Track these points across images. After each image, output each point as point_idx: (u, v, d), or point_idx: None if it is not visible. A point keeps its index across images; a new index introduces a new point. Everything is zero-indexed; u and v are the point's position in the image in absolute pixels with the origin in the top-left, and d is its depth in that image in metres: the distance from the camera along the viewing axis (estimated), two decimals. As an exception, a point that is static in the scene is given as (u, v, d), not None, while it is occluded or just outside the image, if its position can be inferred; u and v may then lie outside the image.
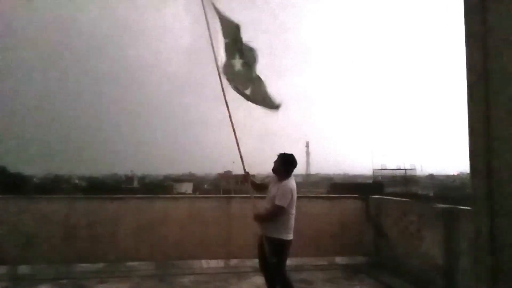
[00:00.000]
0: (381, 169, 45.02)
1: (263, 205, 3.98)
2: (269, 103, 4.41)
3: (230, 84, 4.38)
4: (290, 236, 3.79)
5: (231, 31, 4.44)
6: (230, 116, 4.23)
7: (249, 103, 4.43)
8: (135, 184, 60.59)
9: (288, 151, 4.02)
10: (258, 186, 4.34)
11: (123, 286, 4.97)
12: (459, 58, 2.77)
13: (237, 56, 4.46)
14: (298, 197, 3.86)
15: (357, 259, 6.19)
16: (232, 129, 4.21)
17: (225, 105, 4.24)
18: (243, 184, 4.39)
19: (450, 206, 4.74)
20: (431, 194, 39.00)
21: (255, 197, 4.26)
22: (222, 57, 4.41)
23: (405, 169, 42.87)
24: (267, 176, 4.42)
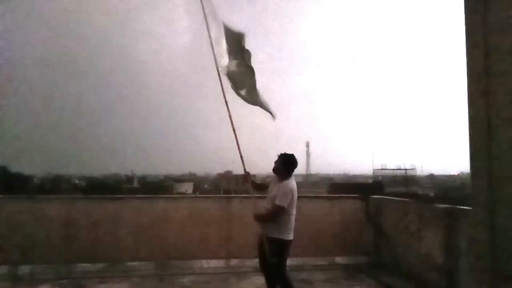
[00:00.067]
0: (381, 169, 45.07)
1: (263, 205, 3.98)
2: (267, 107, 4.47)
3: (232, 86, 4.41)
4: (291, 236, 3.79)
5: (234, 38, 4.47)
6: (230, 116, 4.23)
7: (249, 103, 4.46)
8: (135, 184, 60.59)
9: (288, 151, 4.03)
10: (258, 186, 4.35)
11: (123, 286, 4.97)
12: (459, 58, 2.77)
13: (239, 59, 4.48)
14: (298, 197, 3.86)
15: (357, 259, 6.18)
16: (232, 129, 4.21)
17: (225, 105, 4.24)
18: (243, 184, 4.40)
19: (450, 206, 4.74)
20: (432, 194, 38.97)
21: (255, 197, 4.26)
22: (224, 59, 4.42)
23: (405, 169, 42.90)
24: (268, 176, 4.42)
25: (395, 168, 43.83)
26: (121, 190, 38.68)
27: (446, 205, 4.83)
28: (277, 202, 3.70)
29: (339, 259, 6.18)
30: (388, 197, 6.81)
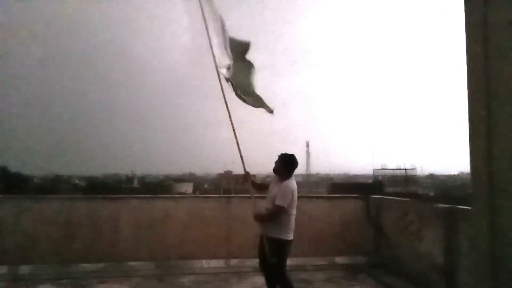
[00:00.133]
0: (382, 169, 45.03)
1: (263, 205, 3.98)
2: (266, 106, 4.50)
3: (233, 88, 4.42)
4: (291, 236, 3.79)
5: (239, 48, 4.51)
6: (230, 116, 4.23)
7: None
8: (135, 184, 60.62)
9: (288, 151, 4.03)
10: (258, 186, 4.35)
11: (123, 286, 4.97)
12: (459, 58, 2.77)
13: (241, 61, 4.51)
14: (298, 197, 3.86)
15: (357, 259, 6.18)
16: (232, 129, 4.22)
17: (225, 105, 4.24)
18: (243, 184, 4.40)
19: (451, 206, 4.74)
20: (432, 194, 38.97)
21: (255, 197, 4.26)
22: (225, 61, 4.43)
23: (405, 169, 42.86)
24: (268, 176, 4.43)
25: (395, 168, 43.81)
26: (121, 190, 38.69)
27: (446, 205, 4.82)
28: (277, 202, 3.70)
29: (339, 259, 6.18)
30: (388, 197, 6.81)
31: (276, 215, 3.73)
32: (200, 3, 4.34)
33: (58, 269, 5.37)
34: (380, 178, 43.29)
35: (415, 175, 44.07)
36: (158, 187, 51.64)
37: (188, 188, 54.11)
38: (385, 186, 34.35)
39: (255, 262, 4.21)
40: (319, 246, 6.17)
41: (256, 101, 4.48)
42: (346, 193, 8.01)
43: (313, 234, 6.08)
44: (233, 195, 7.21)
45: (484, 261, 2.46)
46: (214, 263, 5.81)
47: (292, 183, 3.85)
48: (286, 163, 3.91)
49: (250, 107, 4.50)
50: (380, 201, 6.47)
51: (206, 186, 64.40)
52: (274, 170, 3.99)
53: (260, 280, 4.38)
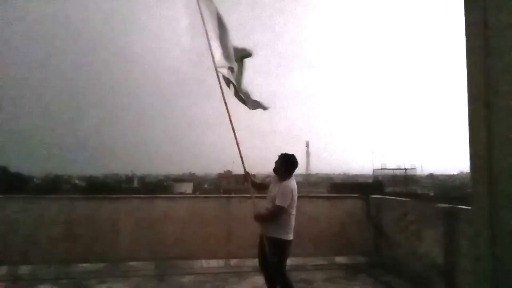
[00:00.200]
0: (382, 169, 45.11)
1: (263, 205, 3.98)
2: (261, 105, 4.51)
3: (235, 90, 4.43)
4: (291, 236, 3.79)
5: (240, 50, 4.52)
6: (229, 116, 4.23)
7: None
8: (135, 184, 60.61)
9: (288, 151, 4.03)
10: (258, 186, 4.34)
11: (123, 286, 4.97)
12: (459, 57, 2.77)
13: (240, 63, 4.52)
14: (298, 197, 3.86)
15: (357, 258, 6.18)
16: (232, 129, 4.21)
17: (225, 105, 4.24)
18: (243, 183, 4.40)
19: (450, 205, 4.73)
20: (431, 193, 39.00)
21: (255, 197, 4.26)
22: (228, 62, 4.44)
23: (405, 169, 42.94)
24: (268, 176, 4.43)
25: (395, 167, 43.90)
26: (121, 190, 38.69)
27: (446, 205, 4.82)
28: (277, 202, 3.70)
29: (339, 259, 6.18)
30: (388, 197, 6.81)
31: (276, 215, 3.73)
32: (198, 3, 4.34)
33: (58, 269, 5.37)
34: (380, 178, 43.36)
35: (415, 175, 44.16)
36: (158, 187, 51.64)
37: (188, 188, 54.12)
38: (385, 186, 34.42)
39: (255, 262, 4.21)
40: (319, 246, 6.17)
41: (252, 103, 4.49)
42: (346, 193, 8.01)
43: (313, 234, 6.08)
44: (233, 195, 7.21)
45: (484, 261, 2.46)
46: (214, 263, 5.81)
47: (292, 183, 3.85)
48: (286, 163, 3.91)
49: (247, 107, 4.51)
50: (380, 201, 6.47)
51: (206, 186, 64.41)
52: (274, 170, 3.99)
53: (260, 280, 4.37)
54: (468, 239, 4.11)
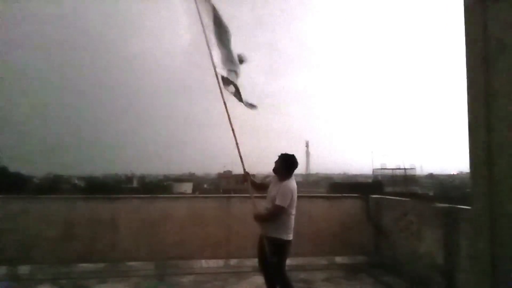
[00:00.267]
0: (381, 169, 45.03)
1: (263, 205, 3.98)
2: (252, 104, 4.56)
3: (229, 85, 4.43)
4: (290, 236, 3.79)
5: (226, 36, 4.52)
6: (228, 116, 4.23)
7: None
8: (135, 184, 60.59)
9: (288, 150, 4.03)
10: (258, 186, 4.34)
11: (123, 286, 4.97)
12: (459, 57, 2.77)
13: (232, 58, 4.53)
14: (298, 197, 3.86)
15: (357, 258, 6.18)
16: (231, 129, 4.21)
17: (224, 106, 4.24)
18: (243, 184, 4.40)
19: (450, 205, 4.73)
20: (431, 193, 38.99)
21: (255, 197, 4.26)
22: (222, 64, 4.44)
23: (405, 169, 42.87)
24: (268, 176, 4.42)
25: (395, 167, 43.82)
26: (120, 190, 38.62)
27: (446, 205, 4.82)
28: (277, 202, 3.70)
29: (339, 259, 6.18)
30: (387, 197, 6.81)
31: (276, 215, 3.73)
32: (196, 4, 4.34)
33: (57, 269, 5.36)
34: (379, 177, 43.30)
35: (415, 175, 44.07)
36: (158, 187, 51.60)
37: (187, 188, 54.12)
38: (384, 186, 34.37)
39: (255, 262, 4.21)
40: (319, 246, 6.17)
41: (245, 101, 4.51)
42: (345, 192, 8.00)
43: (313, 234, 6.08)
44: (232, 195, 7.21)
45: (483, 260, 2.46)
46: (213, 263, 5.81)
47: (292, 183, 3.85)
48: (286, 163, 3.91)
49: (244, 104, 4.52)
50: (380, 200, 6.47)
51: (205, 186, 64.41)
52: (274, 170, 3.99)
53: (260, 280, 4.37)
54: (468, 239, 4.11)
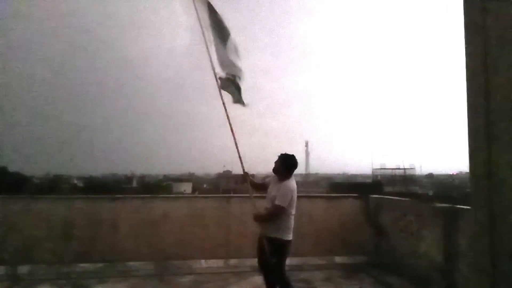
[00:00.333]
0: (381, 169, 45.07)
1: (263, 205, 3.98)
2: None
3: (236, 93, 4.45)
4: (290, 236, 3.79)
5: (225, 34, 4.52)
6: (228, 117, 4.23)
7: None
8: (135, 184, 60.61)
9: (287, 150, 4.04)
10: (257, 186, 4.34)
11: (122, 286, 4.97)
12: (459, 57, 2.77)
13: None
14: (298, 197, 3.86)
15: (356, 258, 6.19)
16: (230, 130, 4.21)
17: (223, 106, 4.24)
18: (242, 184, 4.40)
19: (450, 205, 4.74)
20: (430, 193, 39.04)
21: (254, 197, 4.26)
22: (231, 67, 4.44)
23: (404, 169, 42.92)
24: (267, 176, 4.42)
25: (394, 167, 43.87)
26: (120, 190, 38.63)
27: (445, 205, 4.83)
28: (277, 202, 3.70)
29: (338, 259, 6.18)
30: (387, 197, 6.81)
31: (275, 215, 3.73)
32: (195, 6, 4.34)
33: (57, 269, 5.37)
34: (379, 177, 43.34)
35: (414, 175, 44.12)
36: (157, 187, 51.64)
37: (187, 188, 54.16)
38: (384, 186, 34.41)
39: (254, 262, 4.20)
40: (318, 245, 6.17)
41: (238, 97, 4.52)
42: (345, 192, 8.00)
43: (313, 234, 6.09)
44: (232, 195, 7.20)
45: (483, 260, 2.46)
46: (213, 263, 5.81)
47: (292, 183, 3.85)
48: (286, 163, 3.91)
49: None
50: (379, 200, 6.47)
51: (205, 186, 64.42)
52: (274, 170, 3.99)
53: (259, 280, 4.38)
54: (468, 239, 4.11)
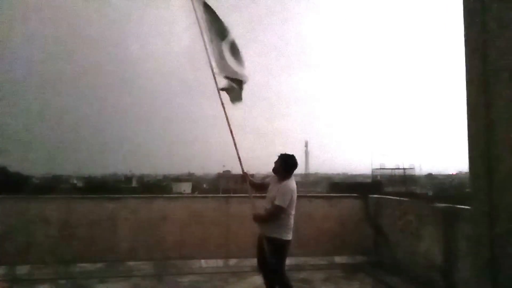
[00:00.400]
0: (380, 169, 45.01)
1: (262, 205, 3.98)
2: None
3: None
4: (290, 236, 3.79)
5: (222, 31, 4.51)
6: (226, 117, 4.22)
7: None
8: (134, 183, 60.57)
9: (287, 150, 4.03)
10: (257, 186, 4.34)
11: (122, 286, 4.96)
12: (459, 58, 2.77)
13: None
14: (297, 197, 3.86)
15: (356, 258, 6.19)
16: (229, 130, 4.20)
17: (222, 106, 4.23)
18: (242, 184, 4.39)
19: (449, 205, 4.74)
20: (430, 193, 39.03)
21: (254, 197, 4.26)
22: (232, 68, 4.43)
23: (404, 169, 42.88)
24: (267, 176, 4.42)
25: (394, 167, 43.81)
26: (119, 190, 38.59)
27: (445, 205, 4.82)
28: (276, 202, 3.70)
29: (338, 259, 6.18)
30: (387, 197, 6.81)
31: (275, 215, 3.73)
32: (194, 7, 4.33)
33: (56, 269, 5.36)
34: (378, 177, 43.30)
35: (414, 175, 44.07)
36: (157, 187, 51.61)
37: (186, 188, 54.13)
38: (384, 186, 34.39)
39: (254, 262, 4.20)
40: (318, 245, 6.17)
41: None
42: (345, 192, 8.02)
43: (312, 234, 6.08)
44: (232, 195, 7.20)
45: (483, 260, 2.46)
46: (213, 263, 5.81)
47: (292, 183, 3.84)
48: (286, 163, 3.91)
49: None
50: (379, 200, 6.47)
51: (205, 186, 64.37)
52: (274, 170, 3.99)
53: (259, 280, 4.37)
54: (467, 239, 4.12)
